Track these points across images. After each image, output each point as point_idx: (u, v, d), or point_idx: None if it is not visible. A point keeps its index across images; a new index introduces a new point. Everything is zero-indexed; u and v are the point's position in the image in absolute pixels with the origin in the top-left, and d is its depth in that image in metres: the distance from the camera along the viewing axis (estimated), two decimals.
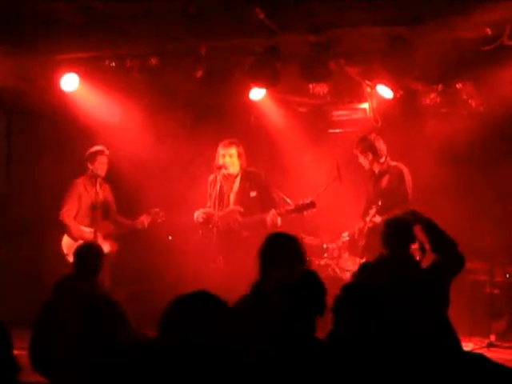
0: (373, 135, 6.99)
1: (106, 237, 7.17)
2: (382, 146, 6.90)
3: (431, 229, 4.80)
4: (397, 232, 4.85)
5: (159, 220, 7.36)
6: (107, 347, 4.58)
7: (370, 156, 6.91)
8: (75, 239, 7.15)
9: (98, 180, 7.21)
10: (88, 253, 5.07)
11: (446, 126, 7.69)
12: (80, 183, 7.30)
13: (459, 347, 3.25)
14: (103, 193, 7.27)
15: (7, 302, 7.17)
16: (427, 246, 4.80)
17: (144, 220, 7.32)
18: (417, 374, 3.13)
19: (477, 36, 6.23)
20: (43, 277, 7.58)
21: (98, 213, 7.19)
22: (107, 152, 7.26)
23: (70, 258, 7.02)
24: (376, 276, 4.77)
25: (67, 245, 7.19)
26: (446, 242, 4.70)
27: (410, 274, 4.65)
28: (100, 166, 7.20)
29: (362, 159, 6.99)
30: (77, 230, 7.18)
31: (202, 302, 2.62)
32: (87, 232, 7.18)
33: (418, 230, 4.94)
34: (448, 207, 7.38)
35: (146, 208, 7.48)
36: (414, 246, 4.92)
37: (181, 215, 7.47)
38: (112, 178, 7.60)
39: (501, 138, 7.56)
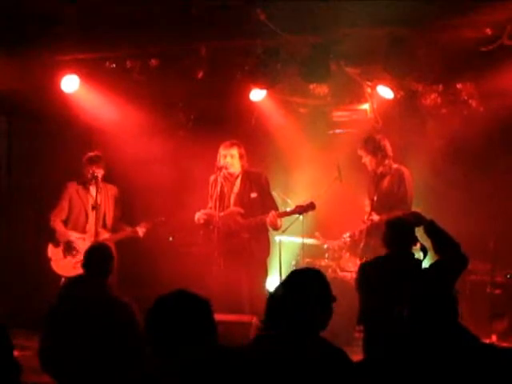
0: (379, 136, 6.95)
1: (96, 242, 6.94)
2: (388, 146, 6.87)
3: (433, 230, 4.80)
4: (397, 232, 4.86)
5: (163, 229, 7.33)
6: (118, 350, 4.58)
7: (379, 156, 6.84)
8: (58, 244, 7.09)
9: (95, 184, 7.08)
10: (99, 254, 5.04)
11: (447, 126, 7.70)
12: (72, 186, 7.22)
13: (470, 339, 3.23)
14: (102, 198, 7.13)
15: (7, 302, 7.18)
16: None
17: (140, 229, 7.21)
18: (422, 369, 3.13)
19: (477, 36, 6.23)
20: (43, 278, 7.59)
21: (92, 217, 7.09)
22: (103, 157, 7.19)
23: (53, 264, 7.02)
24: (376, 274, 4.77)
25: (51, 250, 7.12)
26: (449, 242, 4.71)
27: (410, 272, 4.65)
28: (96, 172, 7.06)
29: (367, 159, 6.90)
30: (62, 235, 7.08)
31: (182, 301, 2.63)
32: (73, 237, 7.07)
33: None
34: (448, 207, 7.39)
35: (146, 208, 7.48)
36: (416, 247, 4.93)
37: (182, 216, 7.47)
38: (112, 179, 7.60)
39: (501, 138, 7.56)
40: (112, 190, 7.35)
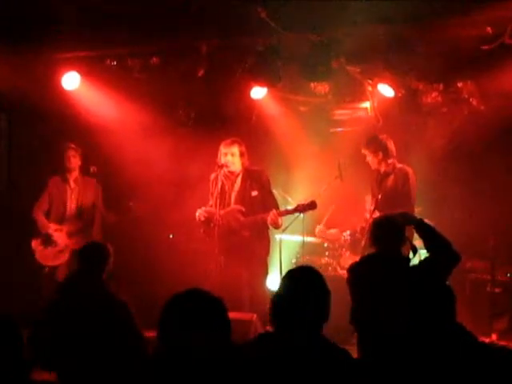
0: (384, 135, 6.97)
1: (73, 234, 7.29)
2: (392, 146, 6.88)
3: (423, 229, 4.83)
4: (384, 231, 4.87)
5: (131, 215, 7.44)
6: (115, 347, 4.59)
7: (380, 155, 6.86)
8: (39, 235, 7.33)
9: (73, 178, 7.39)
10: (93, 252, 5.07)
11: (447, 124, 7.70)
12: (52, 181, 7.46)
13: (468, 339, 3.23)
14: (80, 190, 7.41)
15: (7, 301, 7.18)
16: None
17: (111, 215, 7.44)
18: (419, 368, 3.14)
19: (478, 35, 6.24)
20: (43, 275, 7.59)
21: (69, 211, 7.38)
22: (80, 150, 7.37)
23: (37, 255, 7.33)
24: (365, 274, 4.78)
25: (34, 241, 7.36)
26: (439, 241, 4.72)
27: (398, 270, 4.66)
28: (72, 156, 7.33)
29: (370, 158, 6.93)
30: (42, 225, 7.33)
31: (199, 300, 2.62)
32: (52, 228, 7.31)
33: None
34: (449, 206, 7.39)
35: (147, 206, 7.48)
36: (406, 246, 4.93)
37: (182, 214, 7.47)
38: (111, 176, 7.61)
39: (502, 137, 7.55)
40: (91, 183, 7.53)
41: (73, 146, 7.37)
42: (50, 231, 7.31)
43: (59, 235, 7.29)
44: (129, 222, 7.68)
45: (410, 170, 6.85)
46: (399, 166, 6.90)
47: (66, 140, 7.56)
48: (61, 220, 7.39)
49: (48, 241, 7.29)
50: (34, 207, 7.39)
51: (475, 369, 3.04)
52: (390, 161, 6.87)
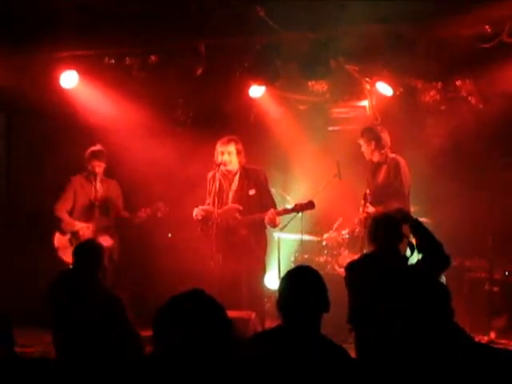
0: (379, 127, 7.00)
1: (100, 232, 7.22)
2: (386, 137, 6.89)
3: (417, 229, 4.84)
4: (384, 228, 4.88)
5: (159, 215, 7.36)
6: (108, 344, 4.61)
7: (373, 144, 6.87)
8: (65, 233, 7.27)
9: (97, 177, 7.32)
10: (88, 250, 5.10)
11: (446, 123, 7.70)
12: (76, 180, 7.39)
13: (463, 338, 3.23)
14: (104, 190, 7.36)
15: (7, 299, 7.19)
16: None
17: (141, 214, 7.35)
18: (415, 369, 3.14)
19: (476, 33, 6.24)
20: (42, 275, 7.60)
21: (96, 209, 7.30)
22: (105, 152, 7.32)
23: (61, 253, 7.22)
24: (363, 272, 4.79)
25: (58, 239, 7.29)
26: (431, 242, 4.75)
27: (395, 269, 4.67)
28: (97, 166, 7.28)
29: (364, 147, 6.95)
30: (68, 224, 7.26)
31: (196, 302, 2.61)
32: (79, 226, 7.25)
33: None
34: (447, 204, 7.39)
35: (146, 205, 7.48)
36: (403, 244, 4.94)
37: (180, 212, 7.47)
38: (111, 175, 7.61)
39: (501, 136, 7.55)
40: (113, 184, 7.52)
41: (98, 155, 7.27)
42: (77, 228, 7.24)
43: (86, 232, 7.21)
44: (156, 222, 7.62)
45: (401, 160, 6.86)
46: (392, 155, 6.91)
47: (90, 142, 7.49)
48: (87, 218, 7.31)
49: (75, 239, 7.18)
50: (57, 205, 7.28)
51: (470, 369, 3.04)
52: (383, 151, 6.88)
